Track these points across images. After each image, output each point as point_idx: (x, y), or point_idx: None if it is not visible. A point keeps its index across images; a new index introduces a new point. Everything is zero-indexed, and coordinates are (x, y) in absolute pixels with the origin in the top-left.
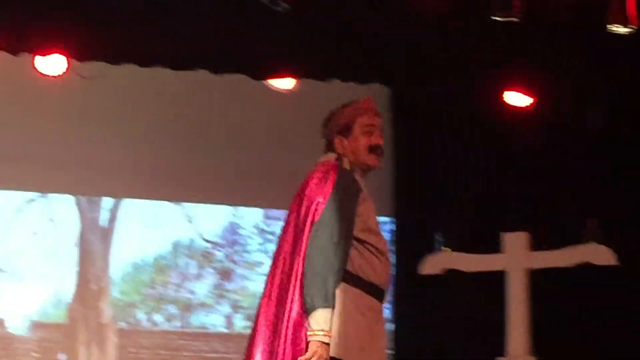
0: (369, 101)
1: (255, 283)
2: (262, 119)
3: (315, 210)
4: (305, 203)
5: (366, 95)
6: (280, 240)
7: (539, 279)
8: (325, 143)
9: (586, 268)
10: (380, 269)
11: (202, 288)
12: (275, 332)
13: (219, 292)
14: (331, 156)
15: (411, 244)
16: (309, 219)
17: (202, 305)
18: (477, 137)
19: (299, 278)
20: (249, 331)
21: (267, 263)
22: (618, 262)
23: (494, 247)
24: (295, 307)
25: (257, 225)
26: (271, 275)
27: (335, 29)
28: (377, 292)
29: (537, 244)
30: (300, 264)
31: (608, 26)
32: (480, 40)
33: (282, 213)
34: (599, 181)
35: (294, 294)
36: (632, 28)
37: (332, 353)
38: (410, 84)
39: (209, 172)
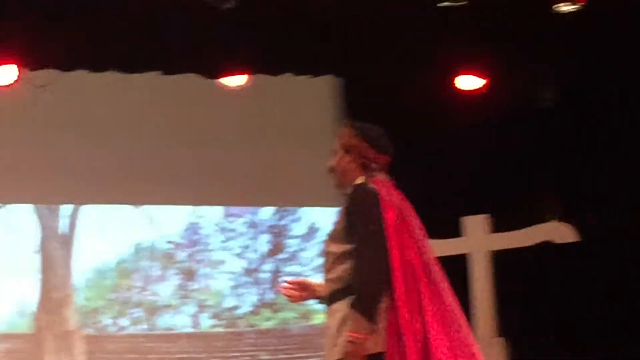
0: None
1: (219, 281)
2: (216, 117)
3: None
4: None
5: (318, 88)
6: None
7: (502, 261)
8: None
9: (548, 246)
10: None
11: (166, 289)
12: None
13: (184, 293)
14: None
15: None
16: None
17: (167, 306)
18: (432, 123)
19: None
20: (216, 329)
21: (229, 261)
22: (579, 238)
23: (454, 232)
24: None
25: (218, 224)
26: None
27: (283, 22)
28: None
29: (498, 226)
30: None
31: (553, 6)
32: (430, 26)
33: (241, 210)
34: (556, 160)
35: None
36: (579, 5)
37: None
38: (361, 73)
39: (167, 173)
